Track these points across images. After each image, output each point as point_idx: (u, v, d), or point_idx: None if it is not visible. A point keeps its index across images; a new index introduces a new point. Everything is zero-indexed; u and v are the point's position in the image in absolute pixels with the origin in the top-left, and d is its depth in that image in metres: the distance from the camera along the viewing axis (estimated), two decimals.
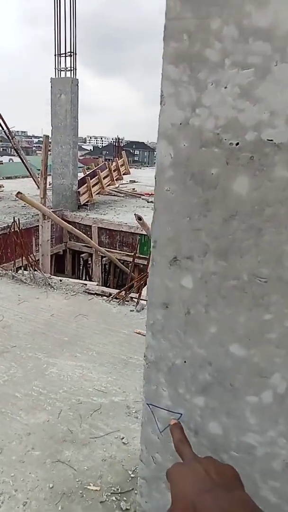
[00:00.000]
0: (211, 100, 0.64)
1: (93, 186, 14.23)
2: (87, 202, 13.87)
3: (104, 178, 15.27)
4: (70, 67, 12.31)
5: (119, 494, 2.12)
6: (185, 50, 0.63)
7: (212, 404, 0.79)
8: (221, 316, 0.73)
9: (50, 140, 11.11)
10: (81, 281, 6.00)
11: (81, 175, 15.14)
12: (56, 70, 12.39)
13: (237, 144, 0.64)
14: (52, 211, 10.46)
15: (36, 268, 5.63)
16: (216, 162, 0.66)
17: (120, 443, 2.51)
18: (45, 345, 3.66)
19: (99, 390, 3.05)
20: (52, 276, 5.87)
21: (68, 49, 12.22)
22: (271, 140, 0.61)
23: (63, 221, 9.66)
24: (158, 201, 0.72)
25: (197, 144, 0.66)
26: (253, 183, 0.64)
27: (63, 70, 12.35)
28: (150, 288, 0.77)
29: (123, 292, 5.16)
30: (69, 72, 12.36)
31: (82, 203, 13.67)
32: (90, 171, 15.59)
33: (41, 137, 9.70)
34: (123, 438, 2.56)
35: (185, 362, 0.78)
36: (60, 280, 5.45)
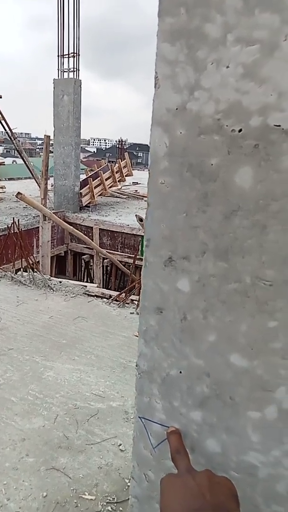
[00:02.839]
0: (211, 82, 0.57)
1: (95, 187, 14.18)
2: (89, 203, 13.83)
3: (106, 179, 15.23)
4: (73, 67, 12.29)
5: (115, 504, 2.05)
6: (182, 26, 0.57)
7: (210, 419, 0.72)
8: (221, 323, 0.66)
9: (51, 142, 11.08)
10: (81, 283, 5.94)
11: (83, 176, 15.11)
12: (59, 71, 12.37)
13: (240, 130, 0.57)
14: (54, 212, 10.41)
15: (35, 270, 5.57)
16: (216, 151, 0.59)
17: (117, 450, 2.44)
18: (42, 348, 3.59)
19: (97, 394, 2.97)
20: (52, 278, 5.81)
21: (71, 50, 12.20)
22: (279, 125, 0.54)
23: (64, 222, 9.61)
24: (151, 195, 0.66)
25: (195, 131, 0.60)
26: (257, 174, 0.57)
27: (66, 71, 12.33)
28: (143, 291, 0.70)
29: (124, 294, 5.09)
30: (72, 73, 12.33)
31: (84, 205, 13.63)
32: (93, 173, 15.55)
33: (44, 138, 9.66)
34: (120, 444, 2.48)
35: (180, 372, 0.71)
36: (60, 282, 5.38)
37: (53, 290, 5.09)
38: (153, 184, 0.65)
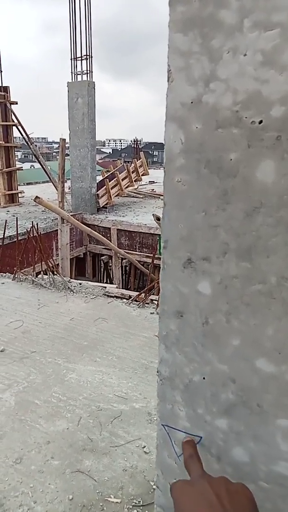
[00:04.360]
0: (228, 72, 0.53)
1: (111, 188, 14.23)
2: (106, 204, 13.88)
3: (122, 180, 15.25)
4: (87, 70, 12.35)
5: (141, 507, 2.03)
6: (195, 14, 0.54)
7: (236, 427, 0.68)
8: (245, 327, 0.62)
9: (67, 144, 11.17)
10: (100, 284, 5.96)
11: (100, 178, 15.18)
12: (73, 74, 12.46)
13: (260, 122, 0.53)
14: (72, 215, 10.49)
15: (55, 272, 5.61)
16: (236, 145, 0.56)
17: (142, 452, 2.42)
18: (64, 350, 3.61)
19: (120, 396, 2.96)
20: (72, 280, 5.85)
21: (84, 53, 12.26)
22: None
23: (82, 224, 9.67)
24: (168, 194, 0.63)
25: (212, 125, 0.56)
26: (281, 168, 0.54)
27: (80, 74, 12.40)
28: (162, 295, 0.67)
29: (143, 294, 5.07)
30: (86, 75, 12.40)
31: (101, 206, 13.69)
32: (109, 174, 15.61)
33: None
34: (144, 447, 2.46)
35: (204, 378, 0.68)
36: (80, 284, 5.41)
37: (73, 292, 5.12)
38: (169, 182, 0.62)
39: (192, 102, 0.57)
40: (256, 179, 0.56)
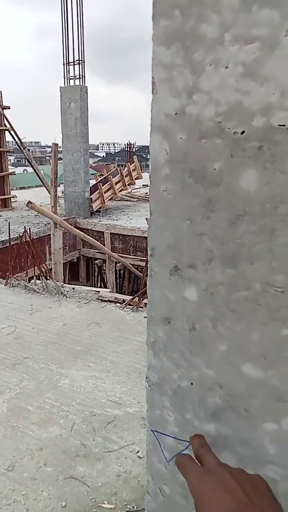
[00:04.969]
0: (210, 84, 0.55)
1: (105, 192, 14.23)
2: (99, 208, 13.88)
3: (116, 183, 15.26)
4: (79, 75, 12.39)
5: None
6: (177, 28, 0.55)
7: (224, 431, 0.69)
8: (231, 332, 0.63)
9: (60, 149, 11.17)
10: (94, 289, 5.95)
11: (93, 182, 15.18)
12: (65, 79, 12.48)
13: (242, 132, 0.55)
14: (65, 219, 10.47)
15: (48, 277, 5.60)
16: (219, 155, 0.57)
17: (135, 457, 2.42)
18: (57, 356, 3.60)
19: (113, 401, 2.96)
20: (65, 285, 5.83)
21: (76, 58, 12.30)
22: (283, 125, 0.52)
23: (75, 229, 9.65)
24: (154, 203, 0.64)
25: (195, 135, 0.58)
26: (263, 177, 0.55)
27: (72, 79, 12.43)
28: (149, 302, 0.68)
29: (137, 298, 5.07)
30: (78, 80, 12.43)
31: (94, 210, 13.68)
32: (102, 178, 15.62)
33: None
34: (138, 451, 2.46)
35: (192, 384, 0.69)
36: (73, 288, 5.40)
37: (66, 297, 5.11)
38: (155, 191, 0.63)
39: (176, 113, 0.58)
40: (240, 188, 0.57)
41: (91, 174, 16.43)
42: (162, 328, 0.68)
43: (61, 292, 5.13)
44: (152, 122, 0.60)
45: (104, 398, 3.00)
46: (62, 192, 13.82)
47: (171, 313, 0.67)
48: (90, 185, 13.97)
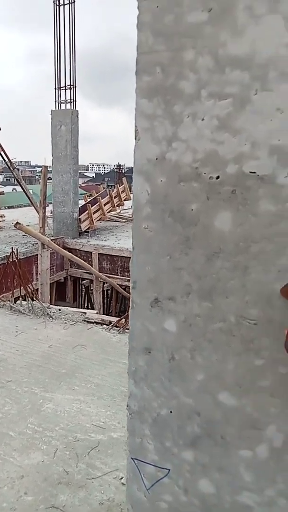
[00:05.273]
0: (188, 134, 0.60)
1: (94, 212, 14.32)
2: (88, 228, 13.93)
3: (105, 204, 15.39)
4: (70, 99, 12.66)
5: None
6: (158, 83, 0.61)
7: (202, 459, 0.71)
8: (208, 362, 0.67)
9: (50, 169, 11.27)
10: (80, 310, 5.92)
11: (82, 202, 15.28)
12: (56, 103, 12.74)
13: (217, 177, 0.60)
14: (53, 239, 10.47)
15: (35, 298, 5.56)
16: (196, 197, 0.62)
17: (119, 484, 2.37)
18: (41, 379, 3.54)
19: (97, 425, 2.91)
20: (51, 306, 5.79)
21: (68, 82, 12.61)
22: (254, 172, 0.57)
23: (62, 249, 9.64)
24: (136, 239, 0.68)
25: (174, 179, 0.63)
26: (236, 218, 0.60)
27: (63, 103, 12.69)
28: (131, 332, 0.71)
29: (123, 320, 5.06)
30: (69, 104, 12.70)
31: (83, 230, 13.72)
32: (91, 198, 15.74)
33: (44, 166, 9.86)
34: (122, 478, 2.41)
35: (171, 412, 0.72)
36: (59, 310, 5.36)
37: (52, 318, 5.06)
38: (137, 229, 0.67)
39: (156, 159, 0.63)
40: (215, 227, 0.61)
41: (81, 194, 16.54)
42: (143, 357, 0.71)
43: (47, 314, 5.09)
44: (135, 166, 0.65)
45: (88, 422, 2.95)
46: (51, 212, 13.85)
47: (152, 344, 0.70)
48: (79, 206, 14.06)
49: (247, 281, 0.61)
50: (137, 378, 0.73)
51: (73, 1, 12.11)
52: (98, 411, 3.11)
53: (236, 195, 0.59)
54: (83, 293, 13.47)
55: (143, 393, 0.73)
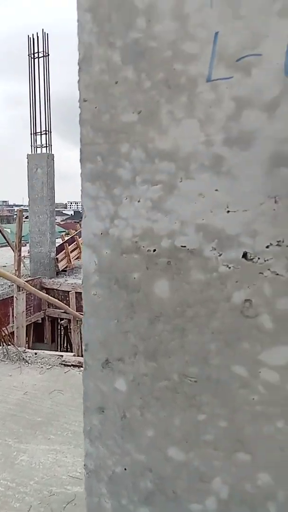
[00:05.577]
0: (127, 213, 0.68)
1: (71, 251, 14.36)
2: (65, 267, 13.90)
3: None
4: (46, 143, 13.03)
5: None
6: (100, 170, 0.69)
7: None
8: (157, 419, 0.71)
9: (27, 210, 11.35)
10: (57, 353, 5.80)
11: (60, 241, 15.32)
12: (33, 147, 13.07)
13: (154, 250, 0.67)
14: (30, 279, 10.37)
15: (10, 342, 5.44)
16: (137, 267, 0.69)
17: None
18: (16, 429, 3.42)
19: (74, 476, 2.81)
20: (27, 350, 5.66)
21: (43, 128, 13.02)
22: (184, 246, 0.65)
23: (38, 291, 9.54)
24: (86, 305, 0.74)
25: (118, 251, 0.70)
26: (172, 286, 0.67)
27: (39, 147, 13.04)
28: (85, 393, 0.75)
29: None
30: (45, 148, 13.05)
31: (60, 269, 13.68)
32: (69, 237, 15.83)
33: (22, 205, 9.96)
34: None
35: (125, 469, 0.75)
36: (35, 353, 5.25)
37: (28, 363, 4.95)
38: (87, 295, 0.73)
39: (101, 234, 0.71)
40: (155, 294, 0.68)
41: (59, 232, 16.63)
42: (97, 417, 0.75)
43: (23, 358, 4.97)
44: (84, 239, 0.72)
45: (65, 474, 2.85)
46: (28, 252, 13.81)
47: (104, 403, 0.74)
48: (57, 245, 14.09)
49: (185, 342, 0.67)
50: (92, 437, 0.76)
51: (47, 54, 12.75)
52: (75, 461, 3.01)
53: (171, 265, 0.66)
54: (61, 333, 13.20)
55: (98, 452, 0.76)
